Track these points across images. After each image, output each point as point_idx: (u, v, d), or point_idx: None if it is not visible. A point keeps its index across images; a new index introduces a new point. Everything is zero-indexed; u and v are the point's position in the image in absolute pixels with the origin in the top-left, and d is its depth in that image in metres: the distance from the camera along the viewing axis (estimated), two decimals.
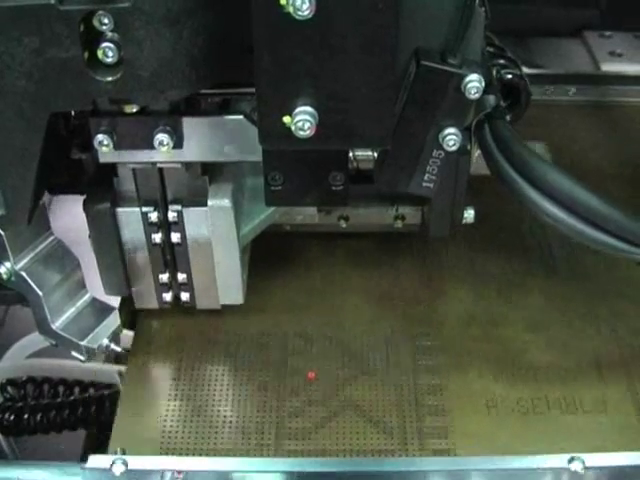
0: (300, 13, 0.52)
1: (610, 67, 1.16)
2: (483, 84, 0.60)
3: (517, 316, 0.83)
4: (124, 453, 0.68)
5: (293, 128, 0.57)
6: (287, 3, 0.52)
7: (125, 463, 0.67)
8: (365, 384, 0.77)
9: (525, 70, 0.78)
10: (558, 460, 0.67)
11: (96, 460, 0.67)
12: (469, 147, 0.72)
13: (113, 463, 0.67)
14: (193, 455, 0.71)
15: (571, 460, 0.66)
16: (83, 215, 0.74)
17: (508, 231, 0.92)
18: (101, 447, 0.73)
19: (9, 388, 0.90)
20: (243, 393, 0.76)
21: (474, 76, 0.59)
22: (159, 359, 0.80)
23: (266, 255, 0.87)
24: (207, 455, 0.71)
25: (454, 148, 0.63)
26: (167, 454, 0.71)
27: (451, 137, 0.62)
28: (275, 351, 0.80)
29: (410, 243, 0.91)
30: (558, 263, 0.89)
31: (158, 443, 0.72)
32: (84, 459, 0.68)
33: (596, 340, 0.80)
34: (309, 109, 0.57)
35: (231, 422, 0.73)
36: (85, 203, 0.74)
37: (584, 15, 1.21)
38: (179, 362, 0.79)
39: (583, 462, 0.66)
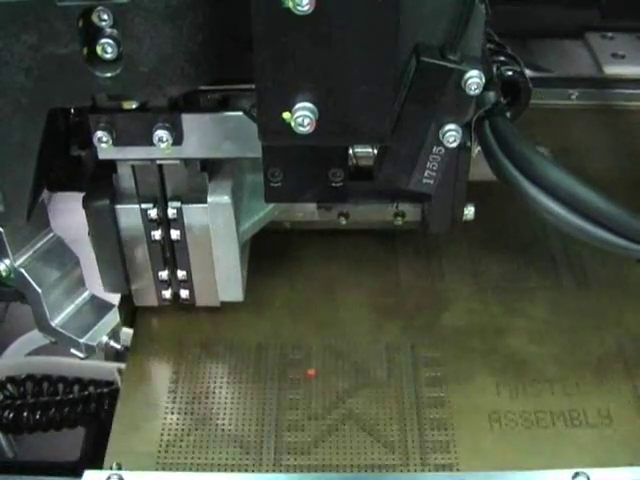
0: (300, 8, 0.52)
1: (613, 69, 1.15)
2: (483, 80, 0.59)
3: (521, 327, 0.81)
4: (120, 468, 0.68)
5: (293, 124, 0.57)
6: None
7: (121, 478, 0.66)
8: (366, 396, 0.75)
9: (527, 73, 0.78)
10: (562, 475, 0.66)
11: (91, 476, 0.66)
12: (469, 144, 0.72)
13: (108, 478, 0.66)
14: (190, 470, 0.69)
15: (576, 475, 0.65)
16: (82, 212, 0.74)
17: (512, 237, 0.91)
18: (100, 445, 0.73)
19: (8, 386, 0.90)
20: (242, 406, 0.75)
21: (474, 72, 0.59)
22: (157, 366, 0.78)
23: (266, 252, 0.87)
24: (204, 470, 0.69)
25: (454, 144, 0.62)
26: (164, 469, 0.69)
27: (451, 133, 0.62)
28: (274, 361, 0.79)
29: (411, 245, 0.90)
30: (562, 272, 0.88)
31: (155, 457, 0.70)
32: (82, 459, 0.67)
33: (600, 352, 0.79)
34: (309, 105, 0.57)
35: (229, 436, 0.72)
36: (84, 200, 0.74)
37: (586, 16, 1.20)
38: (176, 374, 0.77)
39: (588, 477, 0.65)
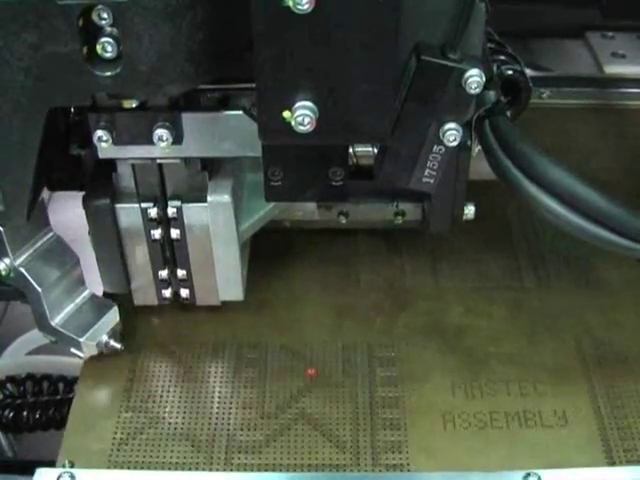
0: (300, 7, 0.52)
1: (613, 69, 1.15)
2: (484, 79, 0.59)
3: (480, 327, 0.81)
4: (72, 466, 0.67)
5: (293, 123, 0.57)
6: None
7: (72, 477, 0.66)
8: (319, 396, 0.75)
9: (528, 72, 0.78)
10: (513, 476, 0.65)
11: (43, 474, 0.66)
12: (469, 143, 0.72)
13: (60, 477, 0.66)
14: (142, 468, 0.69)
15: (526, 476, 0.65)
16: (82, 211, 0.74)
17: (475, 238, 0.90)
18: None
19: (8, 385, 0.90)
20: (195, 405, 0.74)
21: (474, 71, 0.59)
22: (114, 364, 0.78)
23: (265, 252, 0.87)
24: (155, 469, 0.69)
25: (454, 143, 0.62)
26: (116, 467, 0.69)
27: (451, 132, 0.62)
28: (230, 361, 0.78)
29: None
30: (524, 272, 0.87)
31: (107, 455, 0.70)
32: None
33: (559, 353, 0.78)
34: (309, 104, 0.57)
35: (181, 434, 0.72)
36: (84, 199, 0.74)
37: (586, 15, 1.20)
38: (132, 372, 0.77)
39: (539, 478, 0.65)
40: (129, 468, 0.69)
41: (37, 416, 0.87)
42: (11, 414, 0.87)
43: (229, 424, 0.73)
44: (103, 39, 0.57)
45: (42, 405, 0.87)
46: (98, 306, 0.77)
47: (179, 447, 0.71)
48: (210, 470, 0.69)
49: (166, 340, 0.80)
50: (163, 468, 0.69)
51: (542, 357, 0.78)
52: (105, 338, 0.76)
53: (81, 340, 0.75)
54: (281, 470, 0.69)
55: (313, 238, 0.90)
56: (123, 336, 0.78)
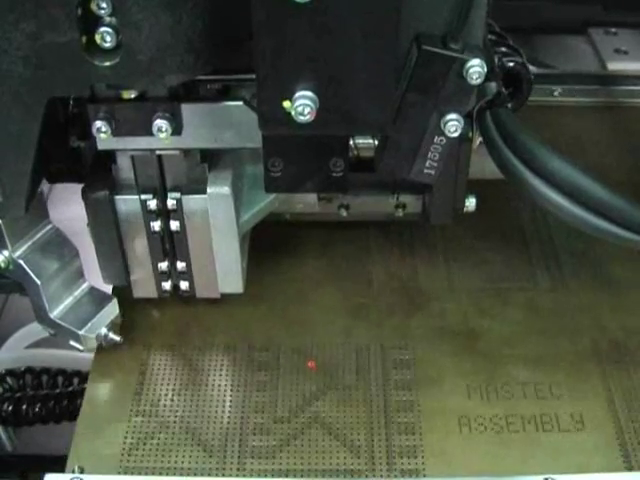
0: None
1: (616, 65, 1.15)
2: (485, 69, 0.59)
3: (495, 329, 0.80)
4: (82, 472, 0.67)
5: (293, 113, 0.57)
6: None
7: None
8: (333, 399, 0.74)
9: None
10: None
11: (52, 479, 0.65)
12: (470, 134, 0.72)
13: None
14: (153, 474, 0.68)
15: None
16: (82, 203, 0.74)
17: (488, 241, 0.90)
18: None
19: (8, 378, 0.90)
20: (207, 409, 0.74)
21: (476, 61, 0.59)
22: (124, 366, 0.77)
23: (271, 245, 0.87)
24: (167, 474, 0.68)
25: (455, 134, 0.62)
26: (127, 473, 0.68)
27: (452, 123, 0.61)
28: (241, 363, 0.78)
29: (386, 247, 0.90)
30: (538, 272, 0.86)
31: (118, 461, 0.69)
32: None
33: (575, 354, 0.77)
34: (309, 94, 0.57)
35: (193, 439, 0.71)
36: (83, 191, 0.73)
37: (589, 11, 1.20)
38: (143, 375, 0.76)
39: None
40: (140, 474, 0.68)
41: (36, 409, 0.87)
42: (10, 407, 0.87)
43: (241, 429, 0.72)
44: (102, 29, 0.57)
45: (41, 398, 0.87)
46: (97, 299, 0.77)
47: (191, 452, 0.70)
48: (223, 476, 0.69)
49: (175, 340, 0.80)
50: (175, 474, 0.69)
51: (558, 359, 0.77)
52: (104, 331, 0.76)
53: (80, 333, 0.75)
54: (295, 476, 0.68)
55: (320, 232, 0.90)
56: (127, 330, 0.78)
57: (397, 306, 0.83)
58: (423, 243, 0.90)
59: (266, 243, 0.87)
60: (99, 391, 0.75)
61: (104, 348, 0.77)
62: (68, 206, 0.80)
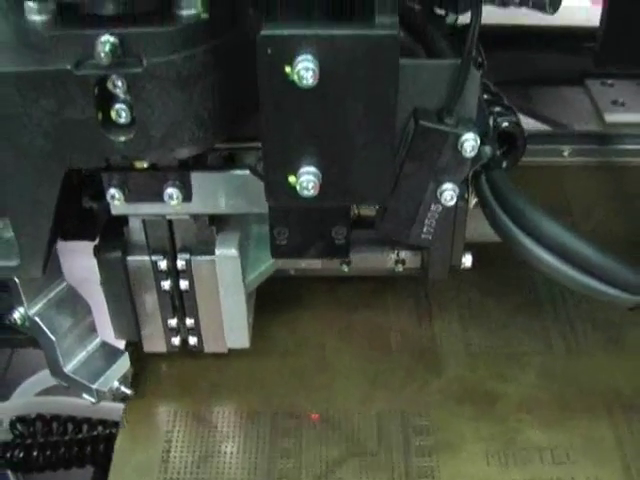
0: (304, 82, 0.54)
1: (613, 117, 1.15)
2: (478, 142, 0.61)
3: (512, 394, 0.81)
4: None
5: (298, 187, 0.59)
6: (292, 72, 0.54)
7: None
8: (356, 466, 0.74)
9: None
10: None
11: None
12: (466, 196, 0.74)
13: None
14: None
15: None
16: (94, 261, 0.76)
17: (503, 302, 0.91)
18: None
19: (18, 425, 0.91)
20: (232, 477, 0.74)
21: (469, 135, 0.61)
22: (146, 438, 0.78)
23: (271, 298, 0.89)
24: None
25: (451, 202, 0.64)
26: None
27: (449, 192, 0.64)
28: (265, 429, 0.78)
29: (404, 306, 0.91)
30: (552, 336, 0.87)
31: None
32: None
33: (590, 419, 0.78)
34: (313, 169, 0.59)
35: None
36: (97, 252, 0.76)
37: (585, 62, 1.18)
38: (168, 443, 0.77)
39: None
40: None
41: (47, 456, 0.88)
42: (21, 454, 0.88)
43: None
44: (117, 105, 0.60)
45: (52, 445, 0.88)
46: (109, 353, 0.79)
47: None
48: None
49: (202, 408, 0.80)
50: None
51: (573, 423, 0.78)
52: (116, 384, 0.78)
53: (93, 387, 0.76)
54: None
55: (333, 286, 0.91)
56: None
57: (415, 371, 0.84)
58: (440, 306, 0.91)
59: (284, 300, 0.89)
60: (125, 459, 0.76)
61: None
62: (80, 263, 0.82)
